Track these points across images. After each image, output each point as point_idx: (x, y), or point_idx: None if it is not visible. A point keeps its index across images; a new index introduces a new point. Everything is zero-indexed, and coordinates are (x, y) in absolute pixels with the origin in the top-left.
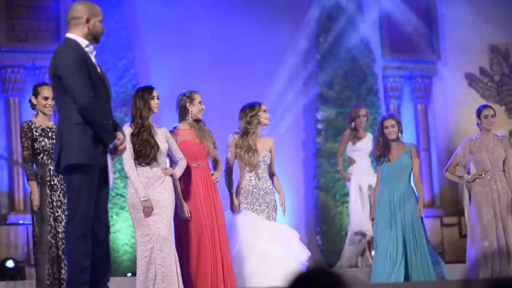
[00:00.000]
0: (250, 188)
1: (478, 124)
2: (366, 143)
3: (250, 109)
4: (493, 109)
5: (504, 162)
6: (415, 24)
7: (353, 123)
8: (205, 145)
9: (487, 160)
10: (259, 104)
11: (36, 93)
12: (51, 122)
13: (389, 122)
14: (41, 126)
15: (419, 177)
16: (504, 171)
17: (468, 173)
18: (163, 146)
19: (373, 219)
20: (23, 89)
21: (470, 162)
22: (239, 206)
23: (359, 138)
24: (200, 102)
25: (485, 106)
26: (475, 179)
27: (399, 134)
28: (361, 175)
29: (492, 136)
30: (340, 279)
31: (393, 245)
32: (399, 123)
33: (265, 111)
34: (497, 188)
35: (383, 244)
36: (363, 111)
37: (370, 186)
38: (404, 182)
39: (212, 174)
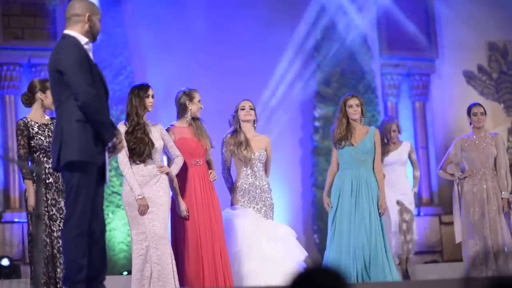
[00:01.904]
0: (247, 186)
1: (470, 123)
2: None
3: (236, 107)
4: (483, 107)
5: (495, 160)
6: (413, 21)
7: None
8: (203, 143)
9: (477, 159)
10: (239, 103)
11: (45, 89)
12: (47, 117)
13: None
14: (37, 123)
15: (381, 165)
16: (495, 169)
17: (463, 171)
18: (158, 143)
19: (328, 205)
20: (18, 87)
21: (462, 160)
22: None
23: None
24: (199, 101)
25: (474, 104)
26: (465, 178)
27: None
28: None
29: (484, 134)
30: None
31: (348, 238)
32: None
33: (242, 108)
34: (487, 188)
35: (340, 234)
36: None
37: None
38: (367, 168)
39: (210, 172)
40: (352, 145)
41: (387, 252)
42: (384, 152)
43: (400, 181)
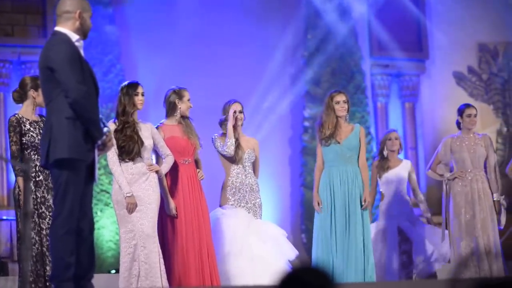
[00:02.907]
0: (238, 184)
1: (457, 122)
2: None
3: (224, 109)
4: (476, 109)
5: (486, 161)
6: (404, 22)
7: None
8: (192, 142)
9: (468, 160)
10: (229, 104)
11: (37, 87)
12: (36, 115)
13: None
14: (28, 120)
15: (366, 162)
16: (485, 170)
17: (451, 171)
18: (147, 142)
19: (318, 203)
20: (8, 84)
21: (451, 160)
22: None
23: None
24: (188, 100)
25: (467, 105)
26: (454, 178)
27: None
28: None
29: (472, 135)
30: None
31: (332, 234)
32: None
33: (234, 111)
34: (478, 189)
35: (322, 231)
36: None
37: None
38: (353, 165)
39: (198, 171)
40: (338, 142)
41: (369, 251)
42: (384, 168)
43: (401, 199)
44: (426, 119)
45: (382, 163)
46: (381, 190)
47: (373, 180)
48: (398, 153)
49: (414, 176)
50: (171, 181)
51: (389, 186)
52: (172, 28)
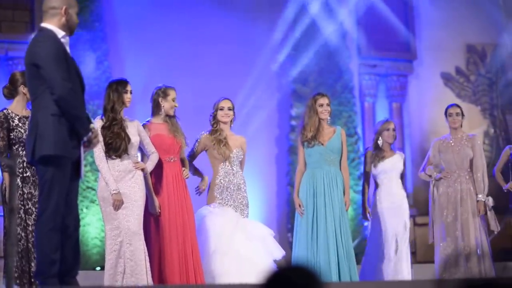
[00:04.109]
0: (225, 183)
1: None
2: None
3: (214, 106)
4: (460, 108)
5: (472, 161)
6: (392, 22)
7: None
8: (178, 140)
9: (452, 161)
10: (218, 102)
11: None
12: (28, 110)
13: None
14: (17, 115)
15: (347, 164)
16: (471, 171)
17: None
18: (134, 139)
19: (300, 206)
20: None
21: (441, 161)
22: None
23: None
24: (173, 99)
25: (452, 105)
26: (440, 179)
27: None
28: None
29: (461, 135)
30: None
31: (314, 235)
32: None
33: (221, 108)
34: (461, 190)
35: (304, 232)
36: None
37: None
38: (336, 168)
39: (183, 170)
40: (322, 144)
41: (351, 252)
42: (379, 157)
43: (396, 192)
44: (414, 120)
45: (377, 152)
46: (377, 180)
47: (367, 172)
48: (393, 144)
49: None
50: (156, 179)
51: (386, 176)
52: (160, 25)
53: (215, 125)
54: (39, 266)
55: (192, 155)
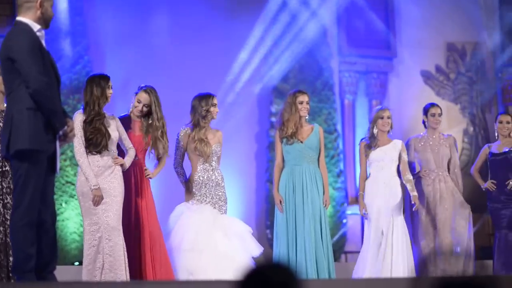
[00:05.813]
0: (204, 180)
1: (423, 122)
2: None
3: (205, 101)
4: (440, 108)
5: (449, 161)
6: (372, 20)
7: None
8: (146, 140)
9: (431, 160)
10: (212, 97)
11: None
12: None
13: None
14: None
15: (325, 162)
16: (449, 170)
17: (413, 171)
18: (114, 134)
19: (280, 202)
20: None
21: (415, 160)
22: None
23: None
24: (139, 101)
25: (432, 105)
26: (418, 178)
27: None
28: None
29: (438, 135)
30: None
31: (293, 232)
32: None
33: (215, 105)
34: (440, 189)
35: (283, 229)
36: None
37: None
38: (315, 165)
39: (145, 170)
40: (301, 141)
41: (329, 249)
42: (372, 146)
43: (390, 181)
44: (393, 117)
45: (372, 141)
46: (369, 170)
47: (362, 163)
48: (389, 133)
49: (405, 157)
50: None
51: (377, 165)
52: (141, 20)
53: (203, 123)
54: (15, 261)
55: (182, 154)
